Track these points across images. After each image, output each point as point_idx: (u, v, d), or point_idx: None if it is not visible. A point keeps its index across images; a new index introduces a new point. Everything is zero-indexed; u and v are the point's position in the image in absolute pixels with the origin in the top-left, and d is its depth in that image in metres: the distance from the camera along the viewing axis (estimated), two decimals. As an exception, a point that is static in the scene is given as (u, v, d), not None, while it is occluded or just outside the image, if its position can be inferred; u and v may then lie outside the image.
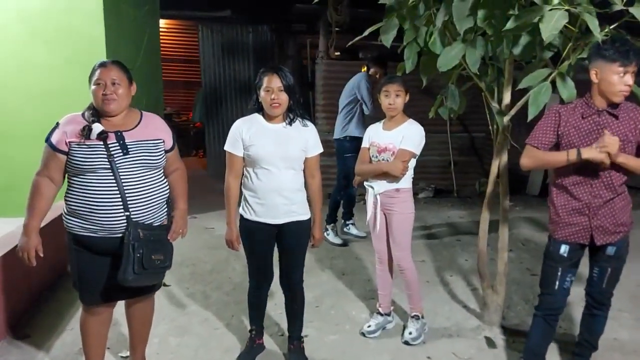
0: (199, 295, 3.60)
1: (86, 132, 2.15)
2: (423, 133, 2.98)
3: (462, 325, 3.24)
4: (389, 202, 2.99)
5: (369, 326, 3.11)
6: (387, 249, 3.10)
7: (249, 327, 2.87)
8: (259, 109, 2.56)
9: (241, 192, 2.62)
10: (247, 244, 2.65)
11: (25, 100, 4.79)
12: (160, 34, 7.68)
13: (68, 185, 2.22)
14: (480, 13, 2.50)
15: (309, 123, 2.62)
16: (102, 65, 2.22)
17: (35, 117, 4.83)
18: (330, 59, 7.00)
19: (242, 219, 2.62)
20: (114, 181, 2.14)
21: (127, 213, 2.17)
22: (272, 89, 2.45)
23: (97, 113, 2.21)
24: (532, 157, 2.40)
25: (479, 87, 2.96)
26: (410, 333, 3.03)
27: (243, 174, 2.60)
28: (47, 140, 2.18)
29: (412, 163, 2.98)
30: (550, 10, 2.22)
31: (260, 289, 2.77)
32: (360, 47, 8.14)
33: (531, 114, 2.39)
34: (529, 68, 2.76)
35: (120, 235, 2.18)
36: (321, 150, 2.65)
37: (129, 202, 2.17)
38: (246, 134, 2.52)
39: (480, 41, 2.62)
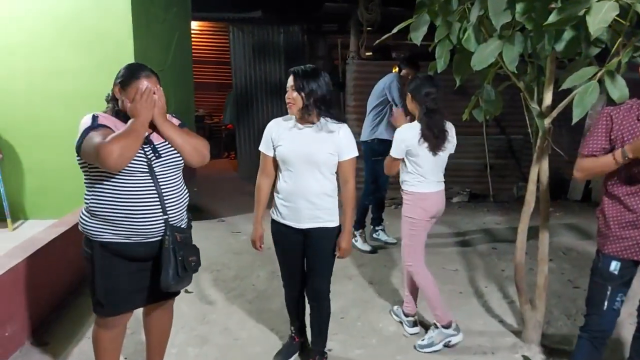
0: (220, 302, 3.50)
1: None
2: (397, 135, 2.92)
3: (498, 342, 3.02)
4: None
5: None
6: None
7: (278, 333, 2.88)
8: None
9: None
10: (277, 246, 2.64)
11: (55, 103, 4.82)
12: (192, 36, 7.69)
13: (92, 191, 2.07)
14: (519, 6, 2.30)
15: (342, 125, 2.49)
16: (147, 75, 2.10)
17: (65, 120, 4.85)
18: (362, 59, 6.82)
19: (272, 220, 2.61)
20: (152, 185, 2.07)
21: (166, 217, 2.10)
22: (288, 88, 2.42)
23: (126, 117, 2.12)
24: (583, 168, 2.18)
25: (517, 87, 2.75)
26: (422, 340, 2.98)
27: (276, 176, 2.58)
28: (92, 127, 2.00)
29: (407, 167, 2.95)
30: (598, 1, 1.99)
31: (293, 291, 2.73)
32: (393, 47, 7.93)
33: (576, 117, 2.17)
34: (572, 66, 2.54)
35: (154, 239, 2.11)
36: (356, 154, 2.52)
37: (166, 205, 2.11)
38: (275, 134, 2.50)
39: (518, 37, 2.41)
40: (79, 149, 2.02)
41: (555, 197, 6.49)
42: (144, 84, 2.06)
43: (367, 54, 7.39)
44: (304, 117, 2.43)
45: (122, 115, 2.10)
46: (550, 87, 2.64)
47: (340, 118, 2.52)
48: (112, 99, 2.15)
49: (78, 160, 2.09)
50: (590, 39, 2.12)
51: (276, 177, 2.58)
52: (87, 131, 2.00)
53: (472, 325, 3.19)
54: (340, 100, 7.56)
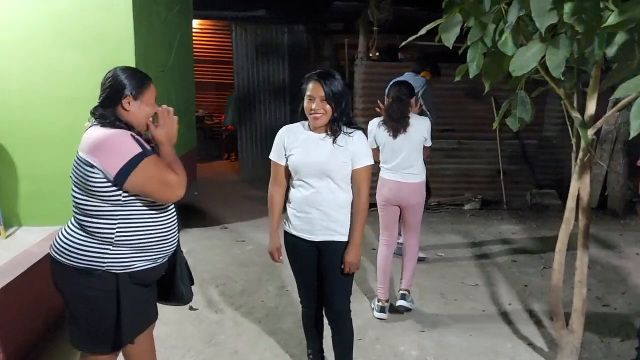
0: (228, 322, 3.26)
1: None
2: (368, 127, 3.44)
3: (529, 369, 2.81)
4: None
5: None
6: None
7: (293, 357, 2.70)
8: (305, 116, 2.33)
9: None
10: (290, 259, 2.49)
11: (52, 105, 4.59)
12: (193, 34, 7.46)
13: (121, 221, 1.82)
14: (567, 6, 2.07)
15: (356, 132, 2.32)
16: (151, 81, 1.95)
17: (61, 122, 4.63)
18: (371, 60, 6.58)
19: (284, 232, 2.46)
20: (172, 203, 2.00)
21: (178, 232, 2.06)
22: (314, 97, 2.21)
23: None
24: None
25: (556, 94, 2.53)
26: None
27: (288, 185, 2.45)
28: (145, 154, 1.78)
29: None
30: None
31: (310, 309, 2.54)
32: (400, 48, 7.72)
33: (635, 130, 1.93)
34: (615, 71, 2.33)
35: (167, 258, 2.01)
36: (371, 162, 2.34)
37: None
38: (287, 142, 2.36)
39: (564, 40, 2.19)
40: (123, 177, 1.74)
41: (570, 204, 6.29)
42: (154, 91, 1.92)
43: (375, 54, 7.16)
44: (330, 128, 2.27)
45: (131, 128, 1.88)
46: (594, 94, 2.42)
47: (351, 125, 2.35)
48: (112, 114, 1.86)
49: (109, 187, 1.77)
50: (653, 43, 1.90)
51: (288, 186, 2.43)
52: (139, 158, 1.75)
53: (500, 349, 2.97)
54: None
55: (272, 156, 2.41)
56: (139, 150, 1.76)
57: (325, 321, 2.52)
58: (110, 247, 1.82)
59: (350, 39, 7.71)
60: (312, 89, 2.22)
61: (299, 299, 2.56)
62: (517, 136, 6.39)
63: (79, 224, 1.86)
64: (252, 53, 8.13)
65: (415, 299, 3.59)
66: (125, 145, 1.76)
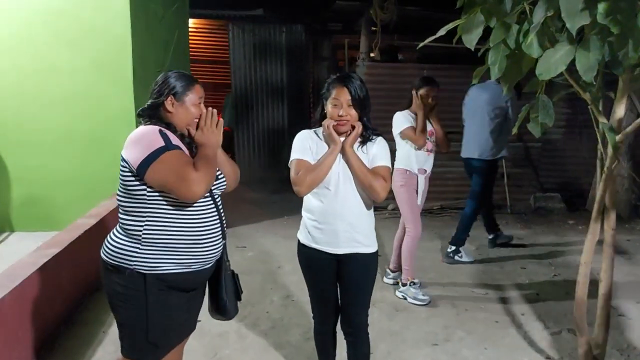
0: (232, 334, 3.13)
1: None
2: None
3: (549, 384, 2.69)
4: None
5: None
6: None
7: None
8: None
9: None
10: (306, 273, 2.36)
11: (46, 105, 4.45)
12: (189, 33, 7.32)
13: (148, 219, 1.81)
14: (602, 6, 1.96)
15: (378, 138, 2.25)
16: (198, 83, 1.95)
17: (56, 123, 4.50)
18: (373, 60, 6.46)
19: (300, 244, 2.33)
20: (214, 208, 1.92)
21: (224, 241, 1.99)
22: (341, 103, 2.10)
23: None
24: None
25: (582, 98, 2.41)
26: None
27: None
28: (167, 148, 1.75)
29: None
30: None
31: (324, 325, 2.41)
32: (400, 48, 7.61)
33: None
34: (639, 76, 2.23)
35: (210, 266, 1.95)
36: (387, 164, 2.22)
37: (224, 228, 1.98)
38: (313, 145, 2.24)
39: (595, 42, 2.07)
40: (143, 169, 1.74)
41: (574, 208, 6.22)
42: (200, 92, 1.91)
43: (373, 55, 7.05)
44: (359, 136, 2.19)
45: (173, 129, 1.86)
46: (623, 99, 2.31)
47: (374, 131, 2.26)
48: (157, 115, 1.87)
49: (134, 181, 1.79)
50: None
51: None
52: (160, 152, 1.75)
53: (517, 363, 2.86)
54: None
55: (297, 155, 2.19)
56: (162, 144, 1.76)
57: (340, 336, 2.40)
58: (139, 246, 1.81)
59: (350, 39, 7.59)
60: (338, 93, 2.11)
61: (312, 315, 2.43)
62: (521, 139, 6.30)
63: (119, 222, 1.89)
64: (250, 53, 8.00)
65: (425, 309, 3.48)
66: (150, 139, 1.76)
